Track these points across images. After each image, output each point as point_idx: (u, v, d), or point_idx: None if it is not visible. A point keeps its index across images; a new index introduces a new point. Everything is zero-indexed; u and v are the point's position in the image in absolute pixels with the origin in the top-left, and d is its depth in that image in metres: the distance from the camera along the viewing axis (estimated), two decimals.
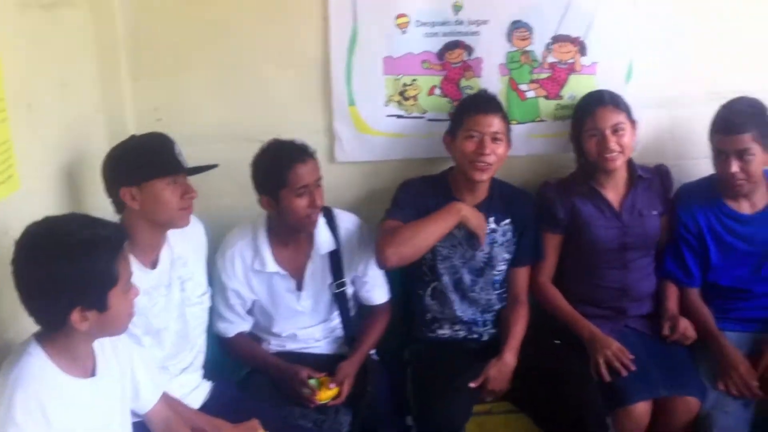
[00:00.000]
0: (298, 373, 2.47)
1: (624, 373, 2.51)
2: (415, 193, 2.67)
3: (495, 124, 2.58)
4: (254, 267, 2.56)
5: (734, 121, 2.58)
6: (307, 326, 2.67)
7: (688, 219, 2.76)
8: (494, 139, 2.57)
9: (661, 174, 2.83)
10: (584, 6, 2.81)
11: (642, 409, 2.50)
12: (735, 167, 2.57)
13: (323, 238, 2.58)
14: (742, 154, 2.56)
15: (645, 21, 2.87)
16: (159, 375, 2.16)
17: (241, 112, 2.84)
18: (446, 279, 2.71)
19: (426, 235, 2.49)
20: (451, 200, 2.64)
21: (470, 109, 2.63)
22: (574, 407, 2.44)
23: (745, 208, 2.73)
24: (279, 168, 2.43)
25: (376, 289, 2.72)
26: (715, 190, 2.75)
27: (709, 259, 2.76)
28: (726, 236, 2.73)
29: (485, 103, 2.65)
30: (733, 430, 2.50)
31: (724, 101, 2.67)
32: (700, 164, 2.88)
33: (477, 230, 2.58)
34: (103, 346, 1.83)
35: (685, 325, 2.66)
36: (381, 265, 2.49)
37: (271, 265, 2.55)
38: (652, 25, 2.89)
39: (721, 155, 2.61)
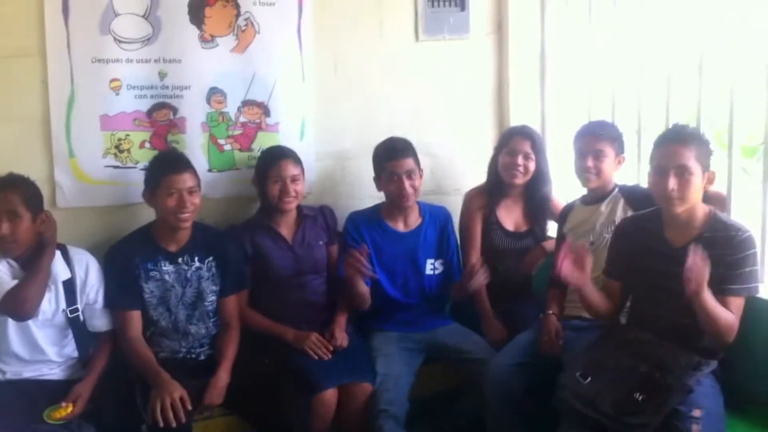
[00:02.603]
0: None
1: (326, 357, 3.10)
2: (121, 265, 3.01)
3: (188, 179, 3.00)
4: None
5: (401, 148, 3.35)
6: (42, 350, 2.89)
7: (351, 237, 3.40)
8: (190, 193, 2.99)
9: (323, 212, 3.47)
10: (266, 78, 3.45)
11: (331, 394, 3.02)
12: (407, 185, 3.31)
13: (59, 269, 2.87)
14: (410, 174, 3.32)
15: (313, 92, 3.56)
16: None
17: None
18: (163, 323, 3.08)
19: None
20: (156, 249, 3.04)
21: (166, 169, 3.00)
22: (275, 404, 2.96)
23: (401, 227, 3.47)
24: None
25: (103, 317, 3.02)
26: (379, 215, 3.45)
27: (374, 272, 3.35)
28: (386, 250, 3.42)
29: (176, 162, 3.05)
30: (395, 402, 3.08)
31: None
32: (365, 202, 3.58)
33: None
34: None
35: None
36: None
37: None
38: (319, 96, 3.58)
39: (394, 177, 3.31)
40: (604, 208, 3.22)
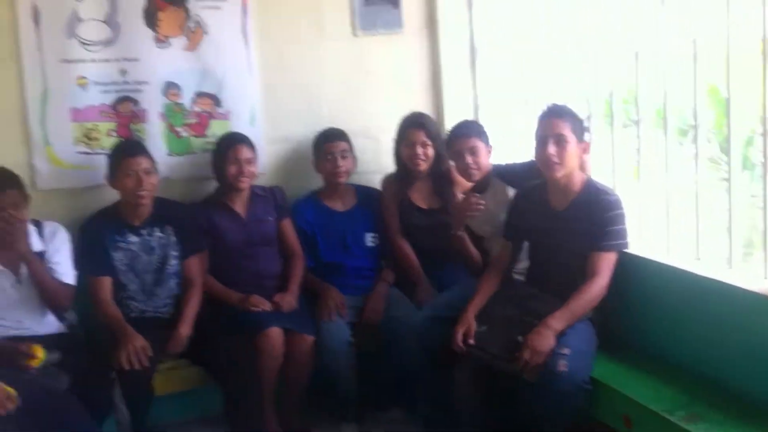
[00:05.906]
0: (18, 347, 3.15)
1: (268, 308, 3.58)
2: (92, 238, 3.43)
3: (144, 162, 3.40)
4: None
5: (336, 133, 3.89)
6: (24, 311, 3.31)
7: (301, 220, 3.92)
8: (147, 173, 3.39)
9: (274, 192, 3.90)
10: (216, 72, 3.91)
11: (276, 333, 3.42)
12: (341, 163, 3.83)
13: (33, 242, 3.30)
14: (344, 154, 3.85)
15: (260, 84, 4.01)
16: None
17: None
18: (132, 287, 3.48)
19: None
20: (122, 224, 3.45)
21: (123, 154, 3.42)
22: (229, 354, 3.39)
23: (339, 207, 3.97)
24: None
25: (65, 275, 3.35)
26: (318, 198, 3.96)
27: (317, 243, 3.92)
28: (326, 226, 3.92)
29: (133, 147, 3.49)
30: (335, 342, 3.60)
31: None
32: (311, 181, 4.03)
33: None
34: None
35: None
36: None
37: None
38: (266, 87, 4.03)
39: (329, 157, 3.84)
40: (489, 195, 3.61)
